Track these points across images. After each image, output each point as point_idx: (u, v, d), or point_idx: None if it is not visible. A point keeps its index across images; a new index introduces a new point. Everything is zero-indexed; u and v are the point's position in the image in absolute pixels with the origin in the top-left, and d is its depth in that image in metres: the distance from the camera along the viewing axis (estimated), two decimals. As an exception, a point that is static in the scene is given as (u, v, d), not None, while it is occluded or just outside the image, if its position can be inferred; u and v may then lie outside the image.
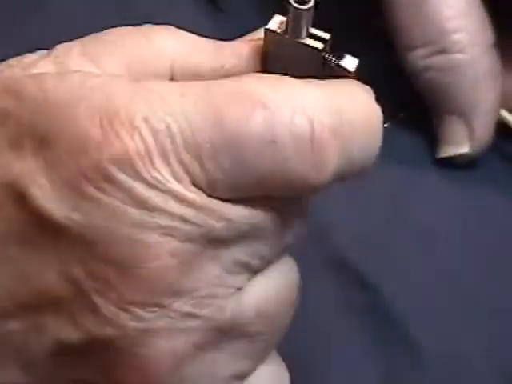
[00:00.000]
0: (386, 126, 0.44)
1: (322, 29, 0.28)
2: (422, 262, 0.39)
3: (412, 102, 0.44)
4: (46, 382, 0.25)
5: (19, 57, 0.27)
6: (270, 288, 0.28)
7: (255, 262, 0.27)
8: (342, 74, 0.28)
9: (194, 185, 0.25)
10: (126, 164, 0.24)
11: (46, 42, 0.45)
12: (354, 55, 0.29)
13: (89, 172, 0.24)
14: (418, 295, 0.38)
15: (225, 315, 0.26)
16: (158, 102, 0.25)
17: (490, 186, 0.42)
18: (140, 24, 0.47)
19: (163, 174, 0.24)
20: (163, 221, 0.24)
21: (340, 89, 0.27)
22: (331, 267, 0.38)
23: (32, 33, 0.46)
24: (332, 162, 0.26)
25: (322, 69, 0.28)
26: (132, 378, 0.25)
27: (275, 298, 0.28)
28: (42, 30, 0.46)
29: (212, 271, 0.26)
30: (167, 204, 0.24)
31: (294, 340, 0.35)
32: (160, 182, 0.24)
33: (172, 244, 0.24)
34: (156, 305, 0.24)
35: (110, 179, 0.24)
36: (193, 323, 0.25)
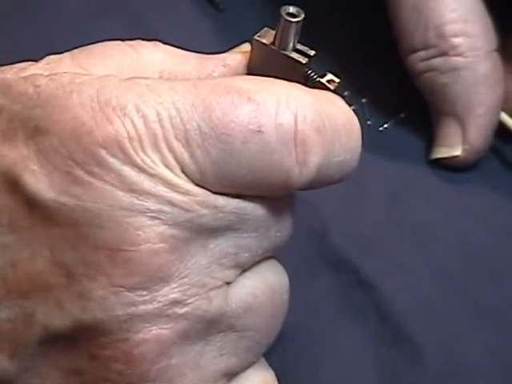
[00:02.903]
0: (386, 125, 0.44)
1: (307, 45, 0.29)
2: (422, 262, 0.39)
3: (412, 102, 0.44)
4: (35, 370, 0.25)
5: (9, 65, 0.28)
6: (259, 284, 0.28)
7: (244, 256, 0.27)
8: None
9: (184, 173, 0.25)
10: (117, 148, 0.25)
11: (45, 43, 0.46)
12: (336, 74, 0.30)
13: (79, 156, 0.24)
14: (418, 295, 0.38)
15: (212, 306, 0.26)
16: (148, 93, 0.26)
17: (489, 188, 0.42)
18: (140, 24, 0.47)
19: (153, 159, 0.25)
20: (151, 204, 0.25)
21: (320, 93, 0.28)
22: (331, 267, 0.38)
23: (31, 32, 0.46)
24: (315, 157, 0.27)
25: (305, 83, 0.29)
26: (117, 363, 0.25)
27: (263, 294, 0.28)
28: (41, 30, 0.47)
29: (201, 260, 0.26)
30: (155, 188, 0.25)
31: (294, 339, 0.35)
32: (149, 166, 0.25)
33: (160, 228, 0.25)
34: (145, 288, 0.25)
35: (99, 163, 0.24)
36: (180, 310, 0.25)
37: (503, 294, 0.38)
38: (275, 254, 0.29)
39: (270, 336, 0.29)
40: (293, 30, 0.29)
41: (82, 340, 0.25)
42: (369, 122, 0.44)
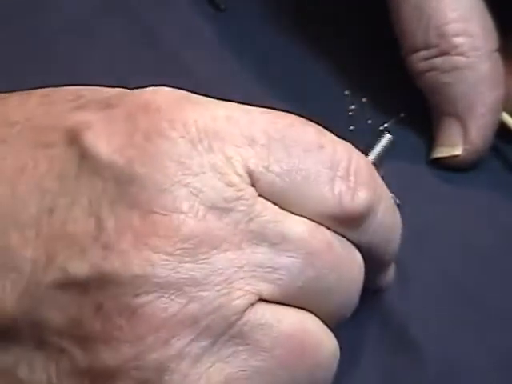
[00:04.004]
0: (386, 125, 0.44)
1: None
2: (422, 262, 0.39)
3: (412, 102, 0.44)
4: (39, 312, 0.26)
5: None
6: (292, 320, 0.28)
7: (281, 274, 0.27)
8: None
9: (242, 167, 0.27)
10: (180, 125, 0.26)
11: (45, 43, 0.45)
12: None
13: (143, 124, 0.27)
14: (418, 295, 0.38)
15: (232, 305, 0.26)
16: (218, 102, 0.28)
17: (490, 188, 0.42)
18: (139, 24, 0.47)
19: (212, 145, 0.27)
20: (195, 181, 0.26)
21: None
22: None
23: (31, 33, 0.46)
24: (365, 190, 0.28)
25: None
26: (121, 317, 0.25)
27: (292, 333, 0.27)
28: (41, 30, 0.46)
29: (232, 257, 0.26)
30: (203, 169, 0.26)
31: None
32: (206, 150, 0.27)
33: (196, 204, 0.26)
34: (167, 254, 0.25)
35: (159, 132, 0.26)
36: (196, 292, 0.26)
37: (504, 295, 0.38)
38: (327, 315, 0.29)
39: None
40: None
41: (94, 288, 0.25)
42: (369, 122, 0.44)
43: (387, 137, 0.34)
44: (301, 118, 0.29)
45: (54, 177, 0.26)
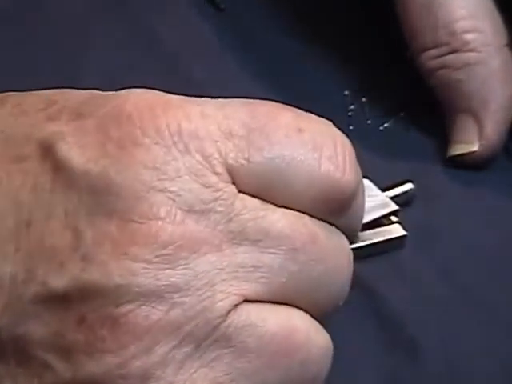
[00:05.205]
0: (386, 125, 0.44)
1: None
2: (422, 262, 0.39)
3: (412, 102, 0.44)
4: (22, 324, 0.25)
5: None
6: (279, 319, 0.27)
7: (264, 272, 0.27)
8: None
9: (220, 165, 0.26)
10: (153, 131, 0.26)
11: (44, 43, 0.46)
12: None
13: (115, 133, 0.26)
14: (418, 295, 0.38)
15: (214, 308, 0.26)
16: (193, 100, 0.27)
17: (494, 187, 0.42)
18: (139, 24, 0.47)
19: (189, 147, 0.26)
20: (171, 185, 0.26)
21: None
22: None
23: (31, 32, 0.46)
24: (354, 173, 0.28)
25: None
26: (103, 329, 0.25)
27: (279, 331, 0.27)
28: (40, 30, 0.47)
29: (213, 260, 0.26)
30: (178, 172, 0.26)
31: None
32: (182, 153, 0.26)
33: (173, 209, 0.26)
34: (146, 262, 0.25)
35: (132, 140, 0.26)
36: (178, 299, 0.25)
37: (505, 295, 0.38)
38: (317, 308, 0.28)
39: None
40: None
41: (75, 301, 0.25)
42: (369, 122, 0.44)
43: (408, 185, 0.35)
44: (278, 104, 0.28)
45: (29, 190, 0.26)
